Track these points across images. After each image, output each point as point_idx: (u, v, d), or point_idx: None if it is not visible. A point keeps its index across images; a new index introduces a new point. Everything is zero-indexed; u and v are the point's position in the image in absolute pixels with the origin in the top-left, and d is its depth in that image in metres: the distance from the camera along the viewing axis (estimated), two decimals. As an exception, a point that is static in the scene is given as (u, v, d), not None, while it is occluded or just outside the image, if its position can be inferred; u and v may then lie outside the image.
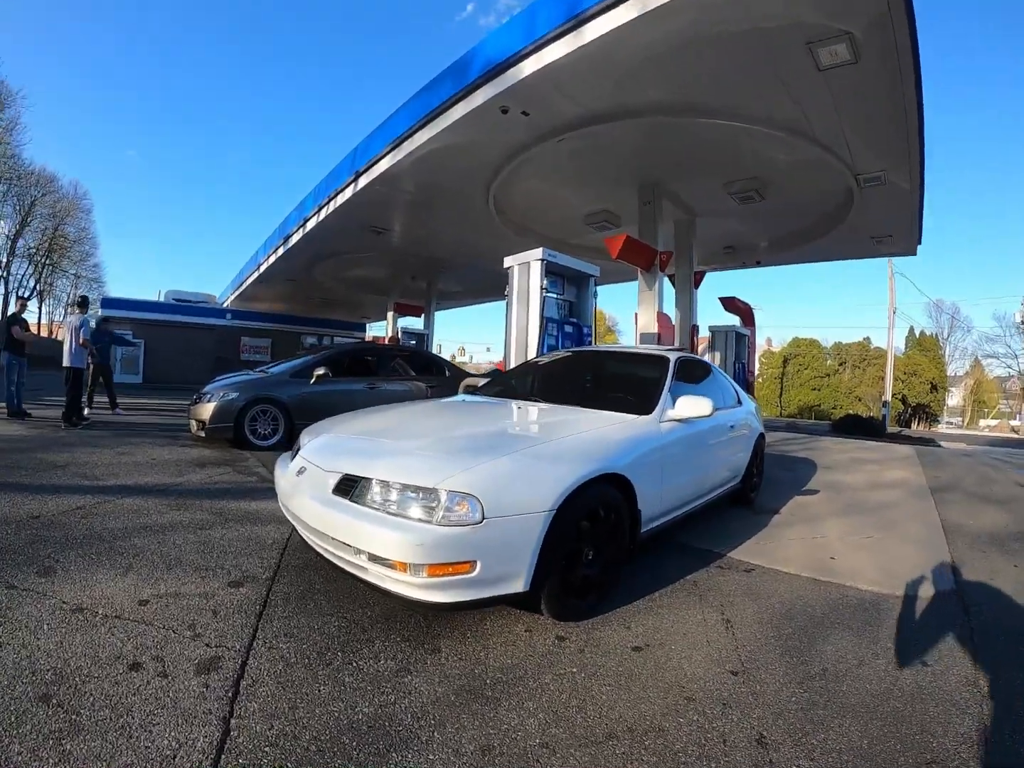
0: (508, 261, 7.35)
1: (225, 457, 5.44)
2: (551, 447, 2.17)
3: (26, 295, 36.60)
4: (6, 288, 34.31)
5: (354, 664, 1.76)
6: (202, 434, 6.00)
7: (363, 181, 9.77)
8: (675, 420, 2.97)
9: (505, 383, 4.08)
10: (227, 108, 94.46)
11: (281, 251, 14.63)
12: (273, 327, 21.97)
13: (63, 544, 2.65)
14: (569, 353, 4.51)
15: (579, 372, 3.99)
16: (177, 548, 2.70)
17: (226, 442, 6.02)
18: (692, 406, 2.93)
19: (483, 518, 1.80)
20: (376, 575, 1.87)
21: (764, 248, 12.66)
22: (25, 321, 7.59)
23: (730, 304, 13.57)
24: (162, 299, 21.95)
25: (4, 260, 32.94)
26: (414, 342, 16.22)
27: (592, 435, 2.41)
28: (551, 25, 5.08)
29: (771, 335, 54.71)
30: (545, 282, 7.18)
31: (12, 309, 7.51)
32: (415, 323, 17.25)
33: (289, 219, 13.63)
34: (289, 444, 6.25)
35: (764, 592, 2.70)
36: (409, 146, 8.29)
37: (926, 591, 2.83)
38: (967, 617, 2.52)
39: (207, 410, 5.97)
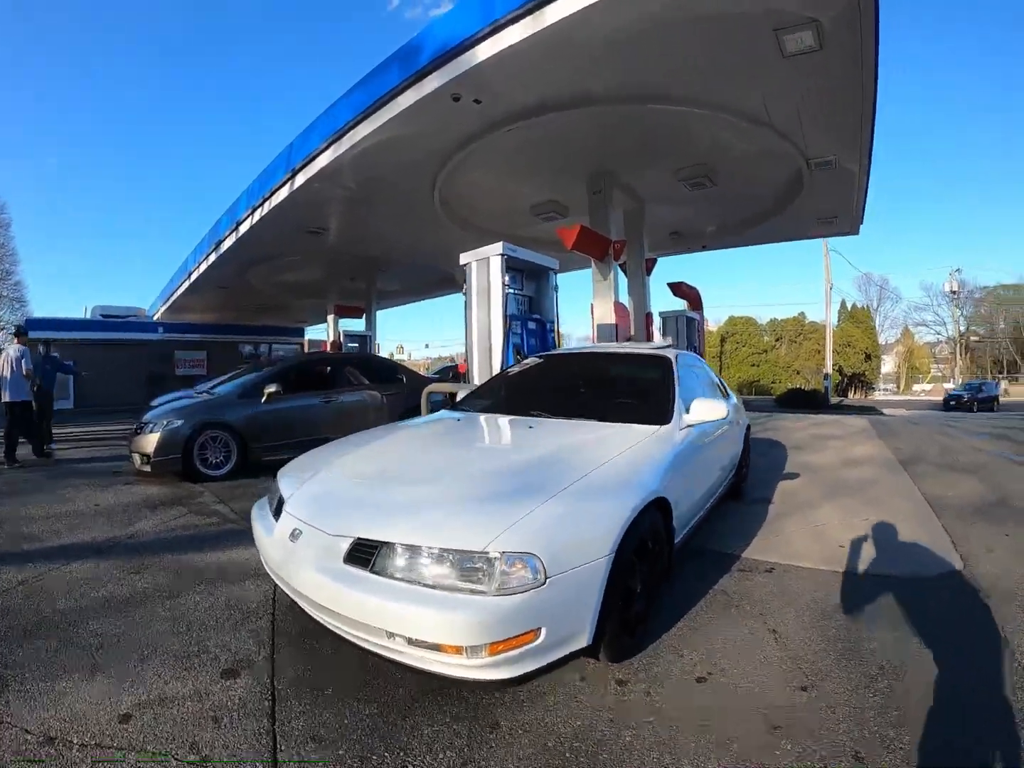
0: (465, 257, 7.01)
1: (176, 494, 4.88)
2: (594, 478, 1.94)
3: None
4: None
5: (410, 765, 1.48)
6: (147, 468, 5.37)
7: (300, 179, 9.09)
8: (690, 426, 2.83)
9: (494, 395, 3.80)
10: (148, 109, 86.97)
11: (213, 258, 13.52)
12: (208, 338, 20.48)
13: (9, 639, 2.18)
14: (556, 357, 4.29)
15: (575, 379, 3.73)
16: (147, 629, 2.27)
17: (174, 475, 5.42)
18: (707, 410, 2.80)
19: (546, 578, 1.55)
20: (416, 658, 1.57)
21: (710, 233, 12.93)
22: None
23: (677, 289, 13.81)
24: (89, 315, 19.97)
25: None
26: (356, 345, 15.54)
27: (627, 457, 2.20)
28: (510, 6, 4.77)
29: (706, 315, 56.78)
30: (507, 278, 6.94)
31: None
32: (356, 324, 16.48)
33: (220, 224, 12.59)
34: (243, 471, 5.82)
35: (793, 592, 2.65)
36: (351, 139, 7.74)
37: (938, 570, 2.88)
38: (986, 592, 2.57)
39: (150, 442, 5.34)
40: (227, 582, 2.78)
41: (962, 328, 46.20)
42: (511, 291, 7.07)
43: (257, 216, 10.78)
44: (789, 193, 9.47)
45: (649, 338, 10.85)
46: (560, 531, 1.66)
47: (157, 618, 2.37)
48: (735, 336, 47.75)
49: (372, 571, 1.65)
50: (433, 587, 1.55)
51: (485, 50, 5.25)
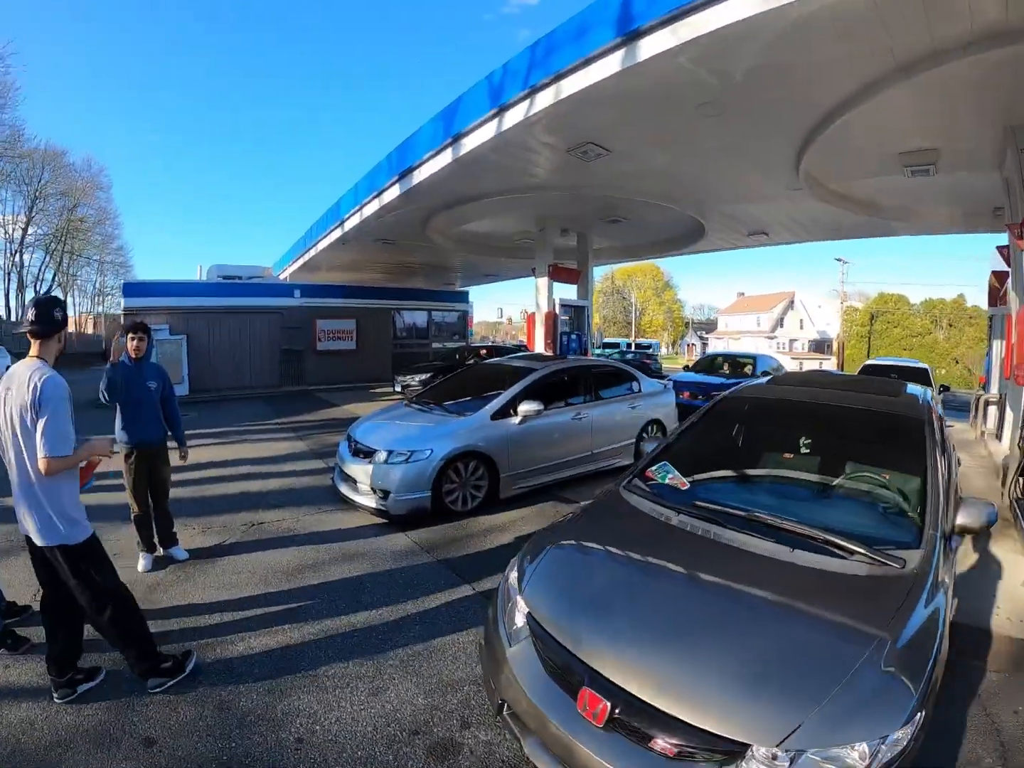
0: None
1: None
2: None
3: (43, 289, 31.53)
4: (20, 282, 29.35)
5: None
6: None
7: (655, 44, 4.86)
8: None
9: None
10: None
11: (392, 194, 9.68)
12: (357, 303, 16.18)
13: None
14: None
15: None
16: None
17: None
18: None
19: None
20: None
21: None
22: None
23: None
24: (205, 277, 16.69)
25: (13, 250, 27.53)
26: (567, 318, 11.63)
27: None
28: None
29: (849, 290, 50.98)
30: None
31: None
32: (566, 291, 12.24)
33: (416, 142, 8.61)
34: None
35: None
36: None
37: None
38: None
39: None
40: None
41: None
42: None
43: (511, 119, 6.66)
44: None
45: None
46: None
47: None
48: (885, 315, 43.70)
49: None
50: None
51: None
